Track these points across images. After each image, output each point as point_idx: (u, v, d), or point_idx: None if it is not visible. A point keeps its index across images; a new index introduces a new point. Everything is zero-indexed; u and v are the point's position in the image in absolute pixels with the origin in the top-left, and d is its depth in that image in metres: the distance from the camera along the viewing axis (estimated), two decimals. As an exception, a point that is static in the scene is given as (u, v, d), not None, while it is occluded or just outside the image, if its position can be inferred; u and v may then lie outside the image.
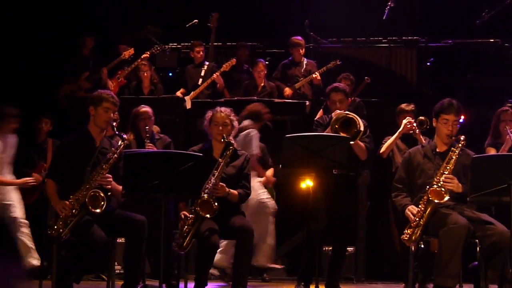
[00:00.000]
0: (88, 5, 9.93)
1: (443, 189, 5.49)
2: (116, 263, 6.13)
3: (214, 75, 8.92)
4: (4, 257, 5.94)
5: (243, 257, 5.89)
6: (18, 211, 7.46)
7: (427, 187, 5.57)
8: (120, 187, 5.66)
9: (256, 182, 7.27)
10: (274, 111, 8.50)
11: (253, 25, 10.38)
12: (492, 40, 9.69)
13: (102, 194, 5.50)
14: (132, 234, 5.67)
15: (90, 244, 5.48)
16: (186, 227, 5.74)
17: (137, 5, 10.32)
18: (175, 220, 6.10)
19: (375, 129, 6.70)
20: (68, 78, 9.47)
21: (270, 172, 7.47)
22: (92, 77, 9.32)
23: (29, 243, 7.43)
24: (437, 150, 5.82)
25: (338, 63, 9.08)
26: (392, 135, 7.08)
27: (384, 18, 9.69)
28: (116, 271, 6.21)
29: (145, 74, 8.89)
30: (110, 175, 5.63)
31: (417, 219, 5.57)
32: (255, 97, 8.59)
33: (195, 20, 9.74)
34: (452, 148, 5.66)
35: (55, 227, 5.52)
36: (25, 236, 7.44)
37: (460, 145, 5.64)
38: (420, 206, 5.59)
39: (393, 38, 10.06)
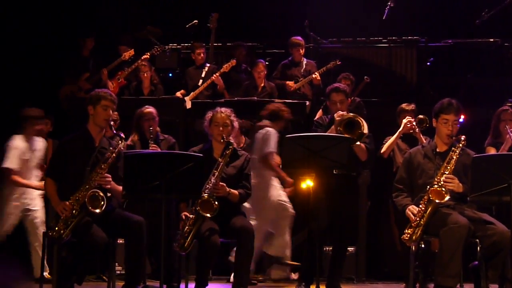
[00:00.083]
0: (88, 6, 9.93)
1: (443, 189, 5.49)
2: (116, 263, 6.13)
3: (213, 76, 8.91)
4: (4, 260, 5.95)
5: (243, 258, 5.89)
6: (39, 219, 7.36)
7: (428, 187, 5.57)
8: (120, 187, 5.66)
9: (275, 182, 7.26)
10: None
11: (253, 25, 10.39)
12: (492, 40, 9.69)
13: (101, 194, 5.50)
14: (130, 236, 5.67)
15: (91, 245, 5.48)
16: (187, 227, 5.74)
17: (137, 6, 10.32)
18: (177, 221, 6.09)
19: (375, 129, 6.70)
20: (68, 79, 9.48)
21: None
22: (92, 78, 9.32)
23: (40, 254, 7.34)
24: (438, 150, 5.83)
25: (338, 63, 9.08)
26: (393, 135, 7.09)
27: (384, 18, 9.69)
28: (117, 272, 6.20)
29: (145, 75, 8.89)
30: (109, 175, 5.62)
31: (417, 219, 5.58)
32: (255, 98, 8.59)
33: (195, 21, 9.74)
34: (453, 148, 5.66)
35: (56, 228, 5.52)
36: (40, 246, 7.34)
37: (460, 145, 5.64)
38: (420, 206, 5.59)
39: (393, 38, 10.06)
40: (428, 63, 9.90)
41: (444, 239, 5.43)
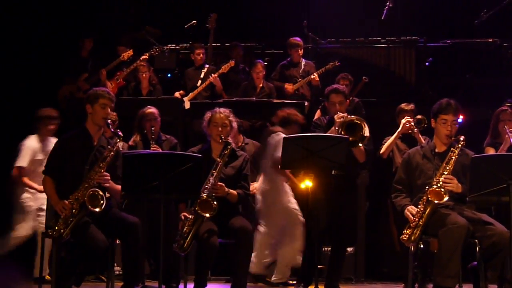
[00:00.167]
0: (87, 6, 9.93)
1: (442, 189, 5.49)
2: (115, 264, 6.12)
3: (211, 78, 8.91)
4: (3, 261, 5.95)
5: (242, 258, 5.89)
6: None
7: (427, 187, 5.57)
8: (118, 186, 5.66)
9: (287, 188, 7.26)
10: (273, 112, 8.50)
11: (251, 25, 10.39)
12: (491, 40, 9.69)
13: (101, 193, 5.50)
14: (125, 237, 5.66)
15: (92, 248, 5.46)
16: (186, 227, 5.74)
17: (135, 7, 10.32)
18: (176, 222, 6.09)
19: (373, 129, 6.68)
20: (67, 79, 9.48)
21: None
22: (91, 78, 9.32)
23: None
24: (436, 150, 5.82)
25: (337, 64, 9.08)
26: (392, 135, 7.09)
27: (382, 18, 9.70)
28: (116, 272, 6.20)
29: (144, 75, 8.89)
30: (107, 174, 5.62)
31: (416, 219, 5.58)
32: (254, 98, 8.59)
33: (193, 21, 9.75)
34: (452, 149, 5.65)
35: (56, 227, 5.51)
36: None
37: (459, 145, 5.64)
38: (419, 206, 5.59)
39: (392, 38, 10.06)
40: (427, 63, 9.90)
41: (443, 239, 5.43)
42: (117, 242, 6.14)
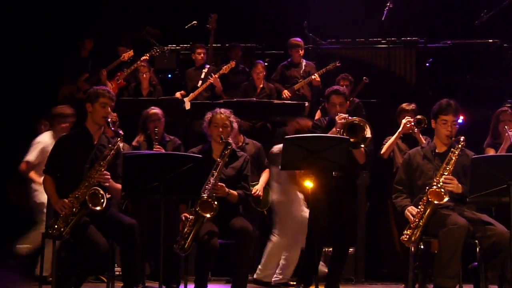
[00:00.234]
0: (88, 7, 9.93)
1: (442, 190, 5.49)
2: (116, 264, 6.12)
3: (212, 79, 8.91)
4: (2, 262, 5.95)
5: (242, 259, 5.89)
6: None
7: (427, 188, 5.57)
8: (118, 185, 5.66)
9: (300, 196, 7.27)
10: (273, 112, 8.52)
11: (252, 26, 10.39)
12: (491, 41, 9.69)
13: (101, 192, 5.50)
14: (122, 239, 5.66)
15: (93, 251, 5.46)
16: (186, 228, 5.74)
17: (136, 7, 10.32)
18: (177, 223, 6.09)
19: (374, 130, 6.67)
20: (67, 79, 9.48)
21: (266, 174, 7.46)
22: (91, 78, 9.32)
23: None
24: (437, 151, 5.83)
25: (338, 65, 9.07)
26: (392, 135, 7.09)
27: (383, 19, 9.69)
28: (116, 273, 6.20)
29: (144, 76, 8.89)
30: (108, 173, 5.61)
31: (416, 220, 5.58)
32: (254, 99, 8.59)
33: (194, 22, 9.75)
34: (452, 149, 5.66)
35: (56, 226, 5.50)
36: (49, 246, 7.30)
37: (460, 145, 5.64)
38: (419, 207, 5.59)
39: (392, 39, 10.06)
40: (427, 64, 9.91)
41: (443, 240, 5.43)
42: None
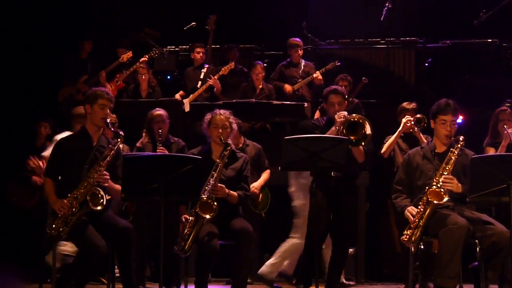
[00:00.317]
0: (86, 8, 9.93)
1: (442, 190, 5.49)
2: (116, 266, 6.12)
3: (211, 80, 8.91)
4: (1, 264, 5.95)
5: (242, 259, 5.88)
6: None
7: (427, 188, 5.57)
8: (118, 186, 5.66)
9: None
10: (272, 113, 8.51)
11: (251, 27, 10.39)
12: (490, 40, 9.69)
13: (101, 192, 5.50)
14: (116, 242, 5.65)
15: (93, 254, 5.46)
16: (187, 229, 5.74)
17: (135, 9, 10.32)
18: (178, 224, 6.09)
19: (373, 130, 6.68)
20: (66, 81, 9.48)
21: (266, 174, 7.47)
22: (90, 80, 9.32)
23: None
24: (436, 151, 5.82)
25: (337, 64, 9.07)
26: (392, 135, 7.08)
27: (382, 19, 9.69)
28: (116, 275, 6.19)
29: (143, 77, 8.88)
30: (107, 173, 5.61)
31: (416, 220, 5.57)
32: (253, 100, 8.59)
33: (193, 23, 9.75)
34: (451, 149, 5.65)
35: (54, 226, 5.50)
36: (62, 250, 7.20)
37: (459, 145, 5.64)
38: (419, 207, 5.59)
39: (391, 39, 10.06)
40: (426, 64, 9.91)
41: (443, 240, 5.43)
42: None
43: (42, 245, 5.93)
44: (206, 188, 5.74)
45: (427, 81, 9.88)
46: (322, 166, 5.86)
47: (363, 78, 9.06)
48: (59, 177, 5.76)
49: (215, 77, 8.93)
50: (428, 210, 5.54)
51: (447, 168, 5.59)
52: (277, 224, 8.01)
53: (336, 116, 6.23)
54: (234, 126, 6.20)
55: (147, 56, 9.16)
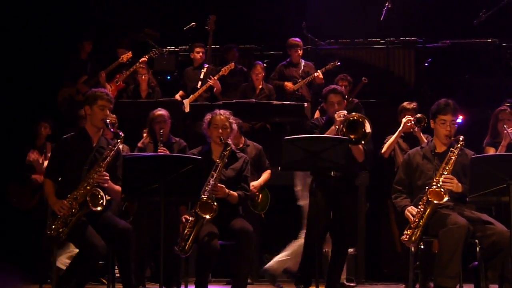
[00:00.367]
0: (86, 9, 9.93)
1: (442, 189, 5.49)
2: (116, 267, 6.12)
3: (211, 81, 8.91)
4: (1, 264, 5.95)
5: (242, 259, 5.88)
6: None
7: (427, 187, 5.57)
8: (118, 187, 5.67)
9: None
10: (272, 113, 8.51)
11: (250, 27, 10.39)
12: (490, 40, 9.70)
13: (101, 193, 5.50)
14: (115, 243, 5.66)
15: (92, 255, 5.46)
16: (187, 230, 5.74)
17: (135, 9, 10.32)
18: (178, 225, 6.09)
19: (373, 130, 6.68)
20: (66, 82, 9.48)
21: (266, 174, 7.47)
22: (90, 80, 9.32)
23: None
24: (436, 150, 5.82)
25: (337, 64, 9.07)
26: (393, 135, 7.08)
27: (381, 19, 9.70)
28: (116, 275, 6.20)
29: (143, 77, 8.88)
30: (107, 173, 5.61)
31: (416, 220, 5.57)
32: (253, 100, 8.59)
33: (192, 23, 9.75)
34: (451, 149, 5.65)
35: (53, 226, 5.50)
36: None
37: (459, 145, 5.64)
38: (419, 207, 5.59)
39: (391, 39, 10.06)
40: (426, 64, 9.91)
41: (443, 239, 5.43)
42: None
43: (42, 246, 5.92)
44: (206, 188, 5.74)
45: (427, 81, 9.89)
46: (322, 166, 5.86)
47: (363, 78, 9.06)
48: (59, 178, 5.76)
49: (215, 77, 8.93)
50: (428, 210, 5.54)
51: (447, 168, 5.59)
52: (277, 224, 8.01)
53: (335, 115, 6.23)
54: (234, 126, 6.20)
55: (147, 57, 9.16)
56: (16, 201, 8.18)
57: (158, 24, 10.27)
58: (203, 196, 5.68)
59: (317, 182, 6.09)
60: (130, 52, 9.28)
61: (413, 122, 7.00)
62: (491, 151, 6.86)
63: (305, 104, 8.68)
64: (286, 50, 9.35)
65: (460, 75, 9.72)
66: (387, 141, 7.14)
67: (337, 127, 6.15)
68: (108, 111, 5.79)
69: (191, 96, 8.98)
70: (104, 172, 5.59)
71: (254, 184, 7.22)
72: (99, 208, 5.48)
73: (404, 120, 7.03)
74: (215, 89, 8.99)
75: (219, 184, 5.84)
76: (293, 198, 7.50)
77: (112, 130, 5.84)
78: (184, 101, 8.93)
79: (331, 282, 6.44)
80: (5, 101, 9.07)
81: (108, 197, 5.66)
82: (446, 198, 5.47)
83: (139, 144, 7.27)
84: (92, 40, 9.63)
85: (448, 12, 10.24)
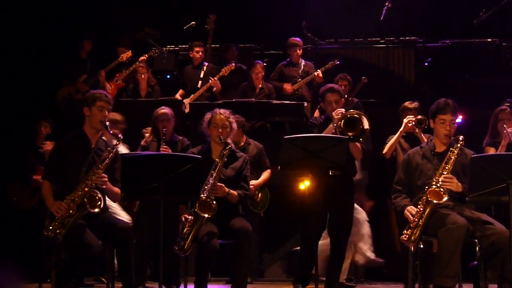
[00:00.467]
0: (86, 8, 9.93)
1: (442, 189, 5.49)
2: (115, 265, 6.12)
3: (211, 81, 8.91)
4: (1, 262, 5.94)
5: (242, 258, 5.88)
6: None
7: (426, 187, 5.57)
8: (116, 189, 5.67)
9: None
10: (272, 112, 8.51)
11: (250, 26, 10.39)
12: (490, 40, 9.70)
13: (99, 195, 5.49)
14: (115, 241, 5.66)
15: (86, 254, 5.46)
16: (186, 229, 5.74)
17: (134, 8, 10.32)
18: (177, 224, 6.09)
19: (373, 130, 6.67)
20: (66, 81, 9.48)
21: (267, 174, 7.47)
22: (90, 79, 9.32)
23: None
24: (436, 150, 5.82)
25: (337, 63, 9.07)
26: (394, 134, 7.07)
27: (381, 18, 9.70)
28: (116, 274, 6.20)
29: (142, 76, 8.88)
30: (105, 175, 5.60)
31: (416, 219, 5.57)
32: (253, 99, 8.59)
33: (192, 22, 9.75)
34: (451, 148, 5.65)
35: (51, 227, 5.49)
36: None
37: (459, 145, 5.64)
38: (419, 206, 5.58)
39: (391, 38, 10.07)
40: (426, 64, 9.91)
41: (443, 239, 5.42)
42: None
43: (41, 245, 5.91)
44: (206, 187, 5.74)
45: (426, 81, 9.89)
46: (321, 165, 5.86)
47: (363, 77, 9.05)
48: (58, 180, 5.75)
49: (215, 78, 8.92)
50: (427, 210, 5.54)
51: (446, 167, 5.59)
52: (276, 224, 8.01)
53: (333, 113, 6.23)
54: (234, 125, 6.20)
55: (146, 56, 9.16)
56: (16, 201, 8.18)
57: (158, 23, 10.27)
58: (202, 195, 5.67)
59: (315, 180, 6.07)
60: (130, 51, 9.28)
61: (414, 123, 6.99)
62: (491, 151, 6.85)
63: (305, 104, 8.69)
64: (286, 50, 9.35)
65: (460, 75, 9.73)
66: (389, 141, 7.12)
67: (335, 125, 6.15)
68: (107, 112, 5.79)
69: (192, 95, 8.98)
70: (103, 174, 5.59)
71: (254, 183, 7.22)
72: (96, 210, 5.47)
73: (405, 120, 7.02)
74: (214, 88, 8.99)
75: (218, 183, 5.84)
76: (292, 197, 7.50)
77: (111, 132, 5.84)
78: (184, 100, 8.93)
79: (330, 281, 6.44)
80: (5, 101, 9.07)
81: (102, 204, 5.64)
82: (445, 198, 5.47)
83: (142, 143, 7.27)
84: (92, 39, 9.63)
85: (448, 12, 10.24)
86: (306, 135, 6.08)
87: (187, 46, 9.84)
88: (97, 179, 5.55)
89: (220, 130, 6.05)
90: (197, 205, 5.66)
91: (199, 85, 9.07)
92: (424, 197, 5.56)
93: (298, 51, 9.21)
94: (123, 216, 7.26)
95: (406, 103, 7.35)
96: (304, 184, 6.17)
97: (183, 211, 6.02)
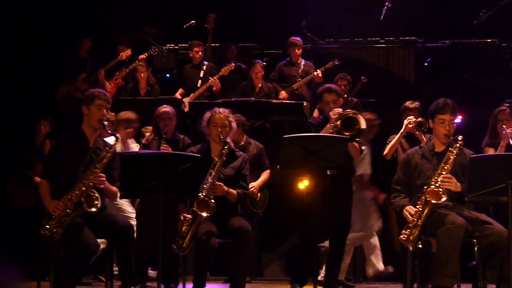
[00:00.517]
0: (86, 6, 9.93)
1: (440, 189, 5.49)
2: (114, 264, 6.13)
3: (210, 81, 8.91)
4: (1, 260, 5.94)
5: (241, 258, 5.88)
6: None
7: (425, 187, 5.56)
8: (114, 188, 5.66)
9: (372, 207, 7.58)
10: (271, 112, 8.51)
11: (250, 26, 10.39)
12: (490, 40, 9.70)
13: (96, 194, 5.49)
14: (116, 240, 5.66)
15: (83, 252, 5.46)
16: (184, 228, 5.74)
17: (134, 7, 10.32)
18: (176, 223, 6.09)
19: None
20: (65, 79, 9.47)
21: (266, 174, 7.47)
22: (89, 78, 9.32)
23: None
24: (435, 150, 5.82)
25: (336, 63, 9.06)
26: (395, 134, 7.07)
27: (381, 18, 9.70)
28: (115, 272, 6.20)
29: (142, 75, 8.88)
30: (103, 175, 5.60)
31: (415, 219, 5.57)
32: (253, 98, 8.59)
33: (192, 21, 9.74)
34: (450, 148, 5.65)
35: (47, 226, 5.49)
36: None
37: (458, 145, 5.63)
38: (418, 206, 5.58)
39: (391, 38, 10.07)
40: (426, 64, 9.91)
41: (442, 239, 5.42)
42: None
43: (40, 244, 5.90)
44: (204, 186, 5.74)
45: (426, 81, 9.88)
46: (321, 165, 5.86)
47: (362, 77, 9.04)
48: (55, 179, 5.75)
49: (215, 78, 8.92)
50: (426, 210, 5.53)
51: (445, 167, 5.58)
52: (275, 223, 8.01)
53: (331, 113, 6.23)
54: (233, 124, 6.20)
55: (146, 54, 9.17)
56: (15, 199, 8.18)
57: (157, 22, 10.27)
58: (201, 194, 5.67)
59: (313, 180, 6.07)
60: (130, 49, 9.28)
61: (413, 125, 6.98)
62: (491, 152, 6.85)
63: (304, 103, 8.69)
64: (285, 49, 9.35)
65: (459, 75, 9.73)
66: (389, 142, 7.11)
67: (332, 124, 6.14)
68: (105, 111, 5.78)
69: (191, 95, 8.98)
70: (101, 174, 5.58)
71: (254, 185, 7.23)
72: (93, 209, 5.46)
73: (405, 121, 7.00)
74: (214, 87, 8.99)
75: (217, 182, 5.84)
76: (291, 197, 7.50)
77: (109, 132, 5.83)
78: (183, 99, 8.92)
79: (329, 280, 6.44)
80: (5, 100, 9.07)
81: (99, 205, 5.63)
82: (444, 198, 5.46)
83: (143, 141, 7.27)
84: (91, 37, 9.63)
85: (448, 12, 10.24)
86: (305, 134, 6.08)
87: (187, 45, 9.84)
88: (95, 179, 5.54)
89: (220, 129, 6.05)
90: (195, 204, 5.66)
91: (199, 85, 9.07)
92: (423, 197, 5.56)
93: (298, 51, 9.21)
94: (129, 211, 7.29)
95: (407, 103, 7.33)
96: (303, 184, 6.17)
97: (182, 210, 6.01)
